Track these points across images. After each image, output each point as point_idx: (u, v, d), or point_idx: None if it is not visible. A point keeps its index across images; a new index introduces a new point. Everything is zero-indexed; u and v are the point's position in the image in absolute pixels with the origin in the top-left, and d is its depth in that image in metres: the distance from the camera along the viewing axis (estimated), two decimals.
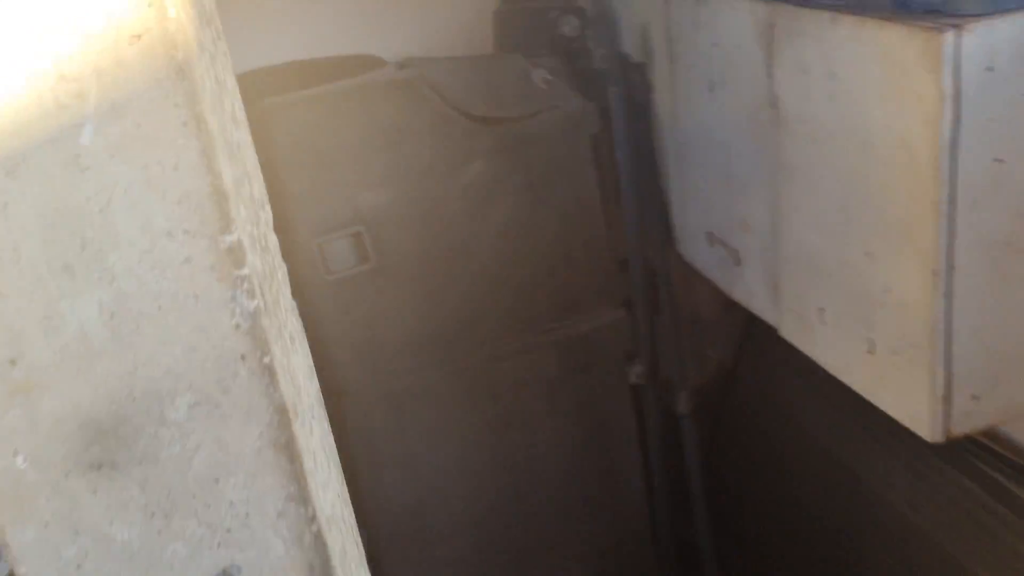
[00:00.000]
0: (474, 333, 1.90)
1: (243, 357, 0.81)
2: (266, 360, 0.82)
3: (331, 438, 1.11)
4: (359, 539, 1.14)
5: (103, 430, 0.79)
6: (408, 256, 1.83)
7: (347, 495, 1.12)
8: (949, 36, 1.09)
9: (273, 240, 1.03)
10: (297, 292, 1.80)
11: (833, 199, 1.37)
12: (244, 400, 0.82)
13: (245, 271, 0.79)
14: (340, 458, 1.77)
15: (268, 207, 1.04)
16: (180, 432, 0.81)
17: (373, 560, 1.20)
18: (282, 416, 0.84)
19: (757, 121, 1.53)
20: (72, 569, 0.81)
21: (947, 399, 1.26)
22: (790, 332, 1.58)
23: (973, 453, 1.56)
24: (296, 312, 1.08)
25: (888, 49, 1.18)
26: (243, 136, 0.95)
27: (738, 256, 1.71)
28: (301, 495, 0.87)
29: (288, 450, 0.85)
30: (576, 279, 1.96)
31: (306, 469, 0.86)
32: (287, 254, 1.79)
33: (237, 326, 0.80)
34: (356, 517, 1.92)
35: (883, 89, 1.20)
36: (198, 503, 0.83)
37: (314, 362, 1.86)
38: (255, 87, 1.89)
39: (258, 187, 0.99)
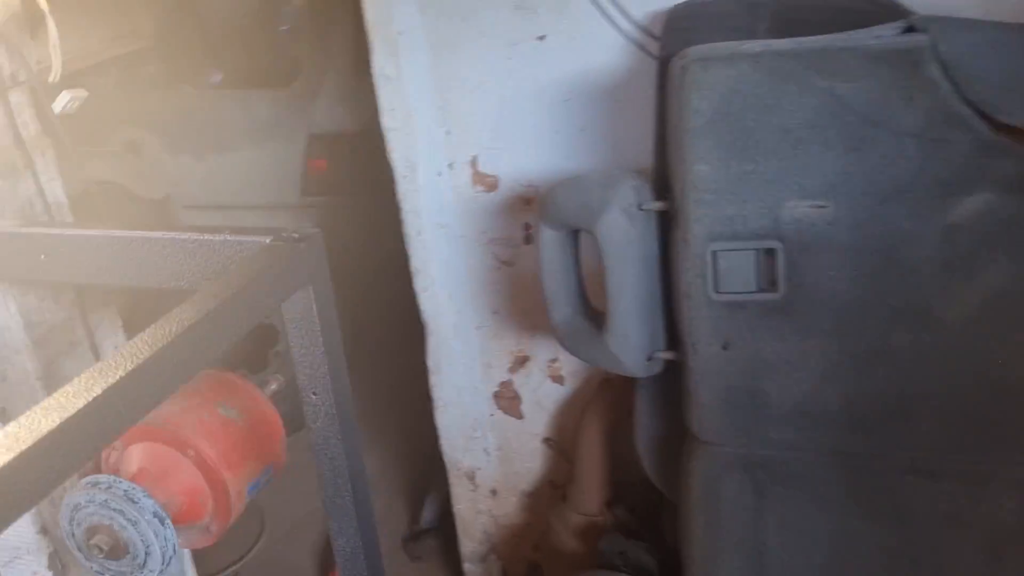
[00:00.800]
0: (901, 428, 1.32)
1: None
2: None
3: None
4: None
5: None
6: (834, 299, 1.30)
7: None
8: None
9: None
10: (676, 303, 1.40)
11: None
12: None
13: None
14: (673, 520, 1.37)
15: None
16: None
17: None
18: None
19: None
20: None
21: None
22: None
23: None
24: None
25: None
26: None
27: None
28: None
29: None
30: None
31: None
32: (674, 255, 1.38)
33: None
34: None
35: None
36: None
37: (675, 393, 1.47)
38: (702, 23, 1.45)
39: None
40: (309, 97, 3.21)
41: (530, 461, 2.05)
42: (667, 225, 1.40)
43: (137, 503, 0.91)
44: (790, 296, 1.31)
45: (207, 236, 0.83)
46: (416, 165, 1.82)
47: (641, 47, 1.62)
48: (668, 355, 1.45)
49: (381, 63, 1.76)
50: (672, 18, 1.50)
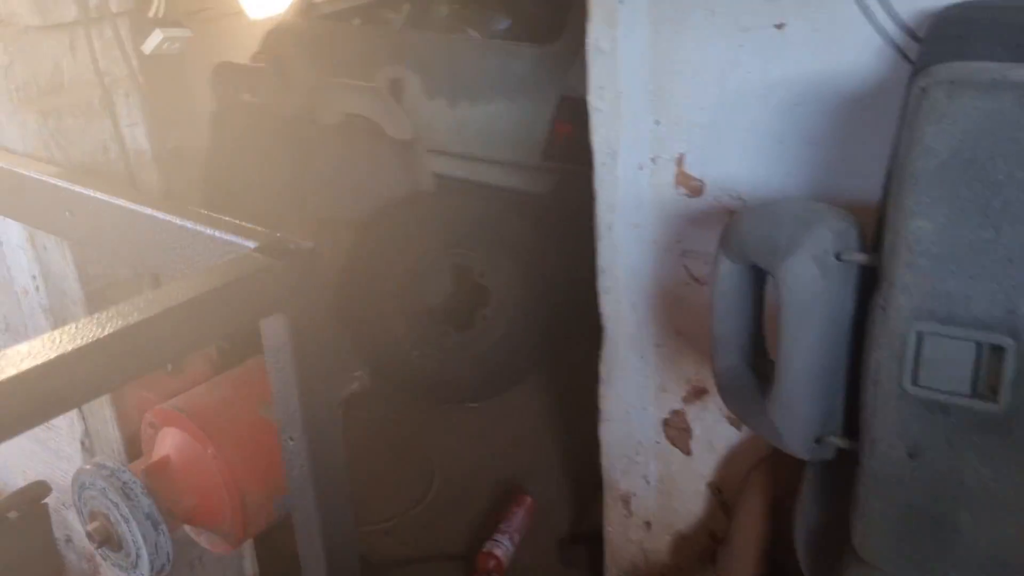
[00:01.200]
0: None
1: None
2: None
3: None
4: None
5: None
6: None
7: None
8: None
9: None
10: (861, 384, 1.11)
11: None
12: None
13: None
14: None
15: None
16: None
17: None
18: None
19: None
20: None
21: None
22: None
23: None
24: None
25: None
26: None
27: None
28: None
29: None
30: None
31: None
32: (869, 324, 1.08)
33: None
34: None
35: None
36: None
37: (836, 506, 1.18)
38: (979, 32, 1.12)
39: None
40: (568, 57, 3.05)
41: (691, 502, 1.81)
42: (870, 285, 1.10)
43: (132, 500, 0.83)
44: (1014, 411, 0.98)
45: (202, 227, 0.70)
46: (617, 153, 1.62)
47: (901, 51, 1.30)
48: (842, 442, 1.16)
49: (597, 34, 1.57)
50: (941, 20, 1.17)
